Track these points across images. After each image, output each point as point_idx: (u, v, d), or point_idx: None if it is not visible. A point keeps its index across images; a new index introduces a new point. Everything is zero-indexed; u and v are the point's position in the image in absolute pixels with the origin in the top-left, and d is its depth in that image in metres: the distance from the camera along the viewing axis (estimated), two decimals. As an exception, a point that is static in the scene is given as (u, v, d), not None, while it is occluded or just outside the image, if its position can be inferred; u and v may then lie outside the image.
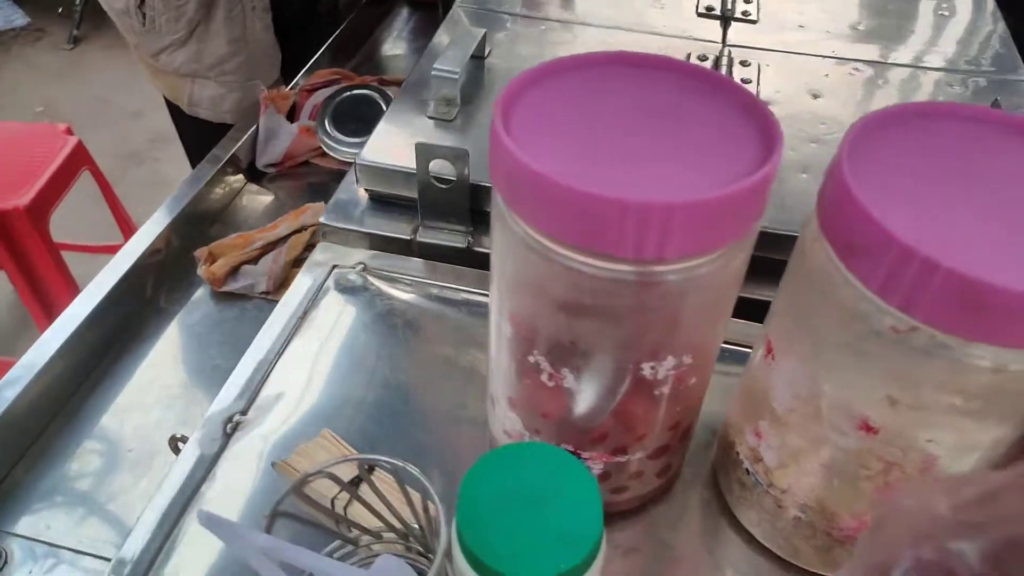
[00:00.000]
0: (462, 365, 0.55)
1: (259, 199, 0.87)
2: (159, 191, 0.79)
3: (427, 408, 0.52)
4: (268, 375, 0.53)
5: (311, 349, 0.55)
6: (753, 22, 0.82)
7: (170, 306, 0.73)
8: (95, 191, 1.55)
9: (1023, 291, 0.27)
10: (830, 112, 0.69)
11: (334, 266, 0.61)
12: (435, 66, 0.65)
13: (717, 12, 0.83)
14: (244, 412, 0.49)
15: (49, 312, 1.34)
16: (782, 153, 0.33)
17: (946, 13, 0.85)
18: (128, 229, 1.57)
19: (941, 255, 0.28)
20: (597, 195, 0.30)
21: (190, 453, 0.47)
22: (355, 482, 0.39)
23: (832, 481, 0.38)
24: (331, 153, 0.87)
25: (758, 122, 0.35)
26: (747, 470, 0.42)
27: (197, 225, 0.80)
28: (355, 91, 0.90)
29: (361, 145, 0.65)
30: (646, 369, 0.36)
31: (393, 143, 0.65)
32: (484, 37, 0.73)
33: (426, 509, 0.34)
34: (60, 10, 2.83)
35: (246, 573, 0.40)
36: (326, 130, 0.88)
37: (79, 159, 1.44)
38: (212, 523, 0.27)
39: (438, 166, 0.59)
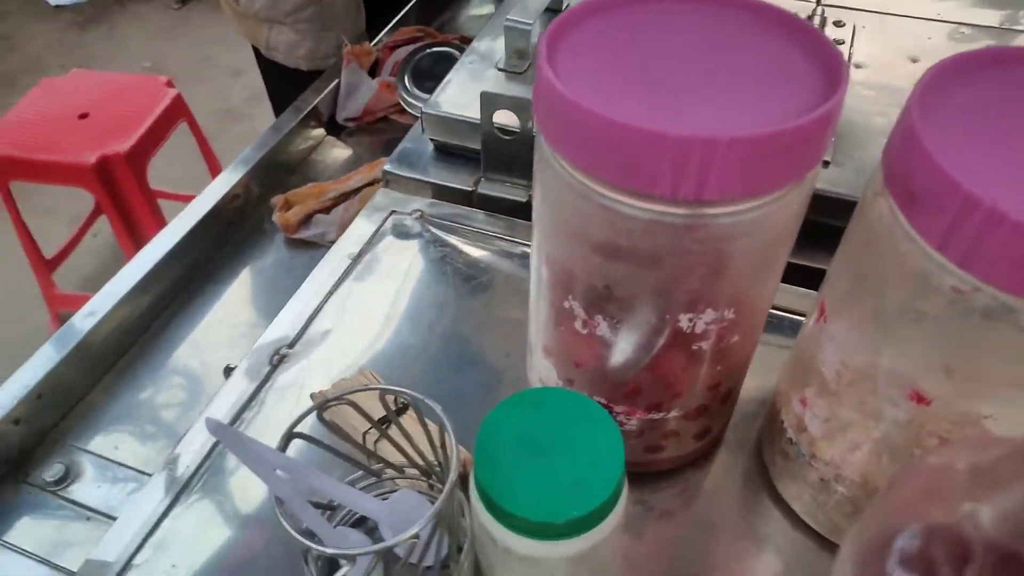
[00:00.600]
0: (509, 316, 0.54)
1: (337, 152, 0.88)
2: (253, 146, 0.81)
3: (470, 356, 0.52)
4: (318, 312, 0.53)
5: (362, 290, 0.56)
6: (853, -19, 0.76)
7: (245, 249, 0.75)
8: (192, 144, 1.62)
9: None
10: (926, 77, 0.64)
11: (392, 211, 0.61)
12: (508, 16, 0.64)
13: (814, -30, 0.78)
14: (291, 345, 0.51)
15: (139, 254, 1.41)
16: (845, 95, 0.30)
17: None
18: (221, 181, 1.63)
19: (1009, 207, 0.25)
20: (633, 127, 0.28)
21: (237, 380, 0.49)
22: (384, 421, 0.40)
23: (880, 457, 0.35)
24: (409, 109, 0.87)
25: (824, 61, 0.32)
26: (791, 440, 0.40)
27: (276, 174, 0.82)
28: (436, 49, 0.90)
29: (438, 102, 0.65)
30: (683, 321, 0.34)
31: (461, 93, 0.64)
32: (562, -11, 0.71)
33: (443, 444, 0.33)
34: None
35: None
36: (406, 86, 0.88)
37: (177, 111, 1.50)
38: (221, 433, 0.27)
39: (503, 117, 0.58)
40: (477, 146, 0.61)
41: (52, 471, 0.53)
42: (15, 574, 0.48)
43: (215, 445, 0.46)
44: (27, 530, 0.51)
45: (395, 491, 0.36)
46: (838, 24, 0.70)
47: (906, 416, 0.32)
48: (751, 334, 0.38)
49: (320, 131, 0.88)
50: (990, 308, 0.27)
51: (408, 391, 0.33)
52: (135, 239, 1.41)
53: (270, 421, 0.47)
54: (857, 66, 0.65)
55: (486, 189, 0.62)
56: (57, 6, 2.84)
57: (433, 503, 0.35)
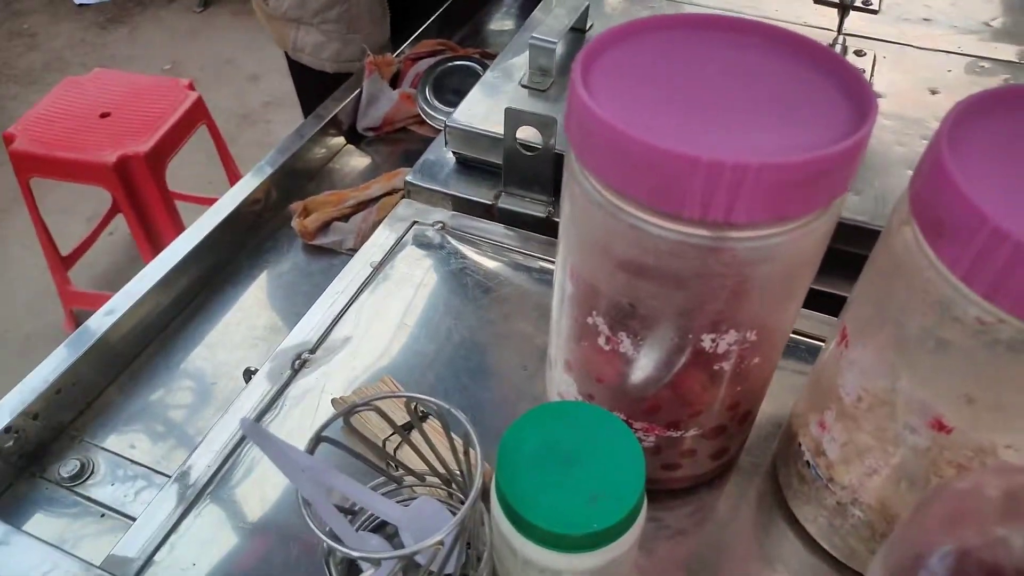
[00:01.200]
0: (527, 329, 0.55)
1: (356, 160, 0.89)
2: (269, 151, 0.82)
3: (488, 367, 0.52)
4: (340, 318, 0.54)
5: (383, 298, 0.56)
6: (874, 12, 0.77)
7: (263, 253, 0.76)
8: (211, 147, 1.63)
9: None
10: (948, 109, 0.64)
11: (414, 222, 0.62)
12: (533, 34, 0.65)
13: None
14: (313, 351, 0.51)
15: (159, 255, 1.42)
16: (873, 127, 0.31)
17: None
18: (238, 184, 1.65)
19: (1036, 241, 0.26)
20: (666, 149, 0.29)
21: (259, 383, 0.49)
22: (407, 427, 0.40)
23: (898, 482, 0.35)
24: (429, 121, 0.88)
25: (853, 92, 0.33)
26: (808, 463, 0.40)
27: (296, 180, 0.83)
28: (456, 62, 0.91)
29: (457, 114, 0.66)
30: (706, 341, 0.35)
31: (485, 108, 0.65)
32: (587, 10, 0.72)
33: (467, 453, 0.34)
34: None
35: (296, 496, 0.41)
36: (426, 98, 0.89)
37: (198, 113, 1.51)
38: (254, 433, 0.28)
39: (526, 133, 0.59)
40: (498, 160, 0.62)
41: (68, 467, 0.54)
42: (30, 561, 0.48)
43: (236, 447, 0.47)
44: (41, 524, 0.51)
45: (414, 498, 0.37)
46: (859, 53, 0.71)
47: (925, 443, 0.33)
48: (771, 356, 0.39)
49: (340, 139, 0.89)
50: (1015, 340, 0.28)
51: (435, 400, 0.33)
52: (151, 239, 1.42)
53: (291, 424, 0.48)
54: (877, 95, 0.66)
55: (506, 203, 0.63)
56: (81, 4, 2.87)
57: (452, 512, 0.36)
